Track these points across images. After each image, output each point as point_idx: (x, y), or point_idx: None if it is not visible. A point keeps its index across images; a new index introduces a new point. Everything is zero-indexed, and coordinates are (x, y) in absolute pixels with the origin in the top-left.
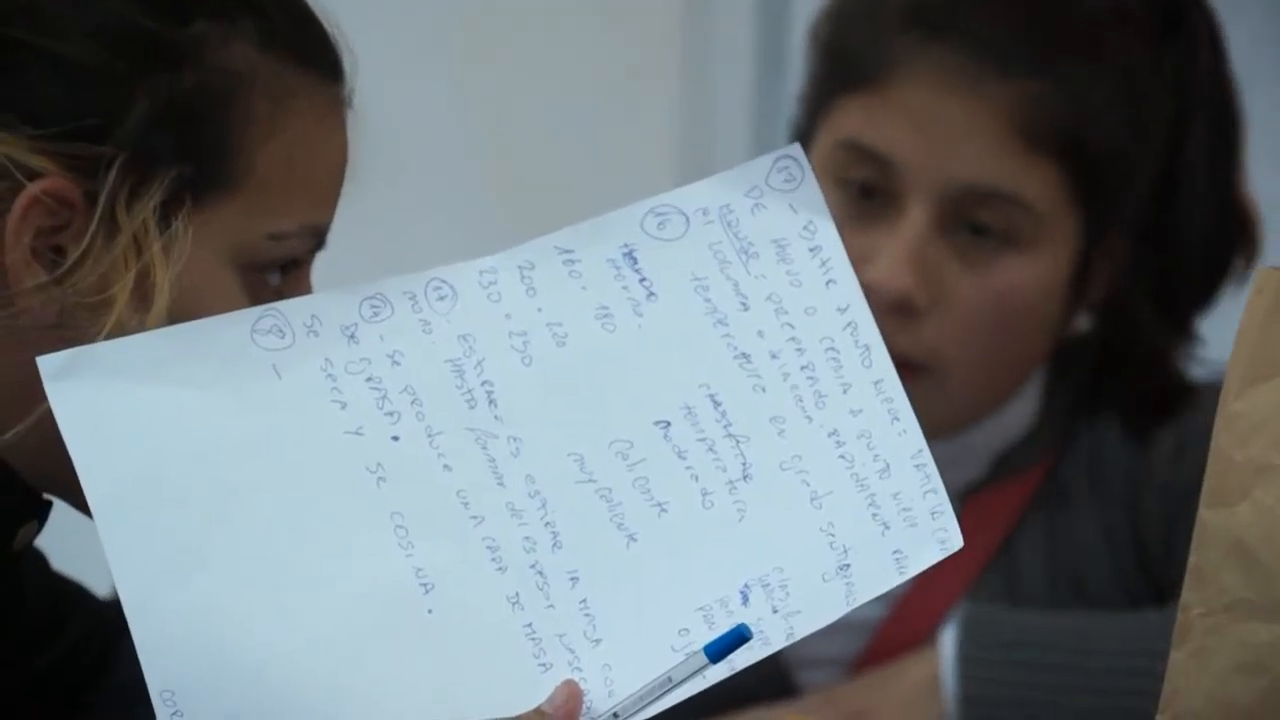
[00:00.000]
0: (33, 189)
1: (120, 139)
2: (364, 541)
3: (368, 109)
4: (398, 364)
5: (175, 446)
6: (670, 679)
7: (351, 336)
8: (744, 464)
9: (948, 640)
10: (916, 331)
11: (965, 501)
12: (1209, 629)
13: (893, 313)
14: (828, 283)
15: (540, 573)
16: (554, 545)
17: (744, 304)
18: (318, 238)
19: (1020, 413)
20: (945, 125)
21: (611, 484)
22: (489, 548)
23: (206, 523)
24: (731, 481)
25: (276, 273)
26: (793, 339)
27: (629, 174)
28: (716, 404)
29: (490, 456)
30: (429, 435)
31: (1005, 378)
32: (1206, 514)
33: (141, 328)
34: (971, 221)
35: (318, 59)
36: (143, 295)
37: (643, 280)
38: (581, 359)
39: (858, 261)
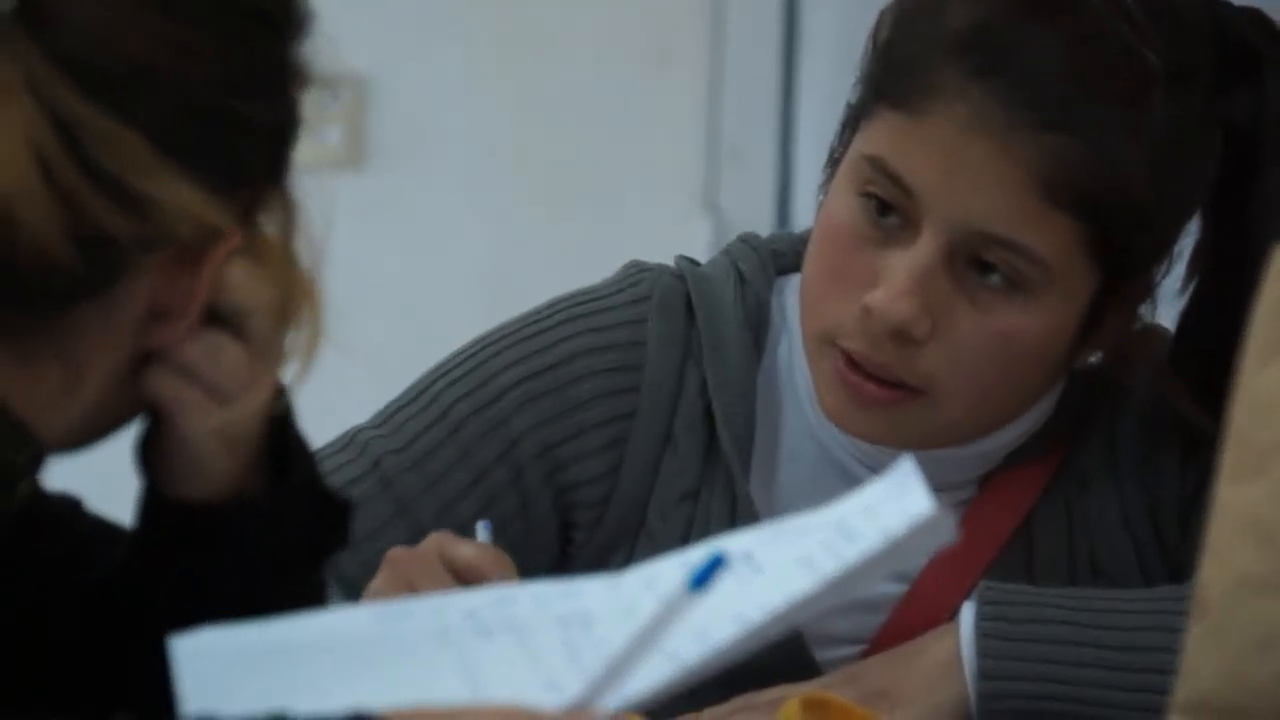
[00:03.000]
0: (225, 246)
1: (265, 176)
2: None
3: (389, 89)
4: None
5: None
6: (657, 620)
7: None
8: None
9: (967, 616)
10: (914, 359)
11: (984, 483)
12: (1227, 606)
13: (892, 339)
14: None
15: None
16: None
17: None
18: None
19: (1033, 419)
20: (969, 168)
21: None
22: None
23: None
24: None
25: None
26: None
27: (654, 154)
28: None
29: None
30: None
31: (1004, 407)
32: (1224, 491)
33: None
34: (982, 260)
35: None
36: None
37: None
38: None
39: (869, 277)
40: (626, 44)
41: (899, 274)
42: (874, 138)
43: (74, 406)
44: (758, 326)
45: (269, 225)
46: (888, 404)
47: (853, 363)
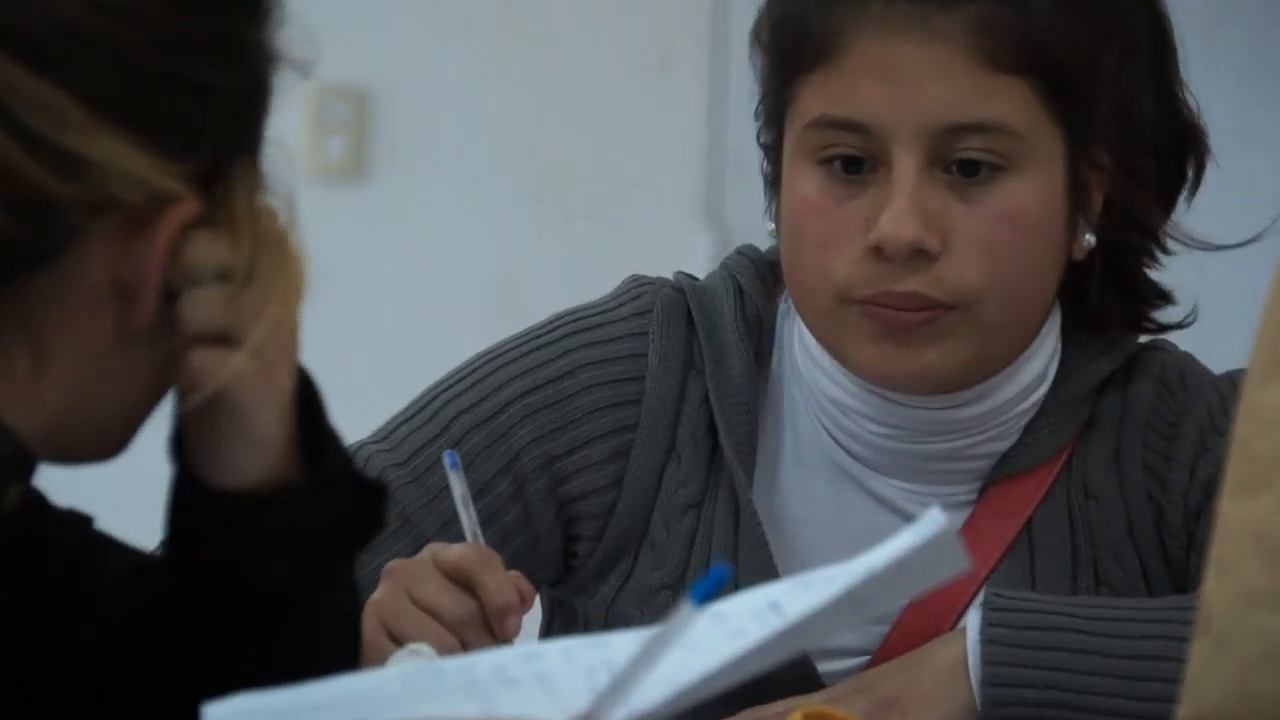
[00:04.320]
0: (177, 213)
1: (222, 144)
2: None
3: (391, 100)
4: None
5: None
6: (661, 636)
7: None
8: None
9: (972, 623)
10: (937, 275)
11: (985, 491)
12: (1231, 620)
13: (909, 263)
14: None
15: None
16: None
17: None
18: None
19: (1038, 368)
20: (907, 71)
21: None
22: None
23: None
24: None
25: None
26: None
27: (658, 164)
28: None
29: None
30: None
31: (1029, 304)
32: (1228, 505)
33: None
34: (959, 158)
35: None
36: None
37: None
38: None
39: (863, 225)
40: (629, 55)
41: (893, 203)
42: (806, 107)
43: (48, 394)
44: (758, 338)
45: (242, 198)
46: (925, 328)
47: (879, 304)
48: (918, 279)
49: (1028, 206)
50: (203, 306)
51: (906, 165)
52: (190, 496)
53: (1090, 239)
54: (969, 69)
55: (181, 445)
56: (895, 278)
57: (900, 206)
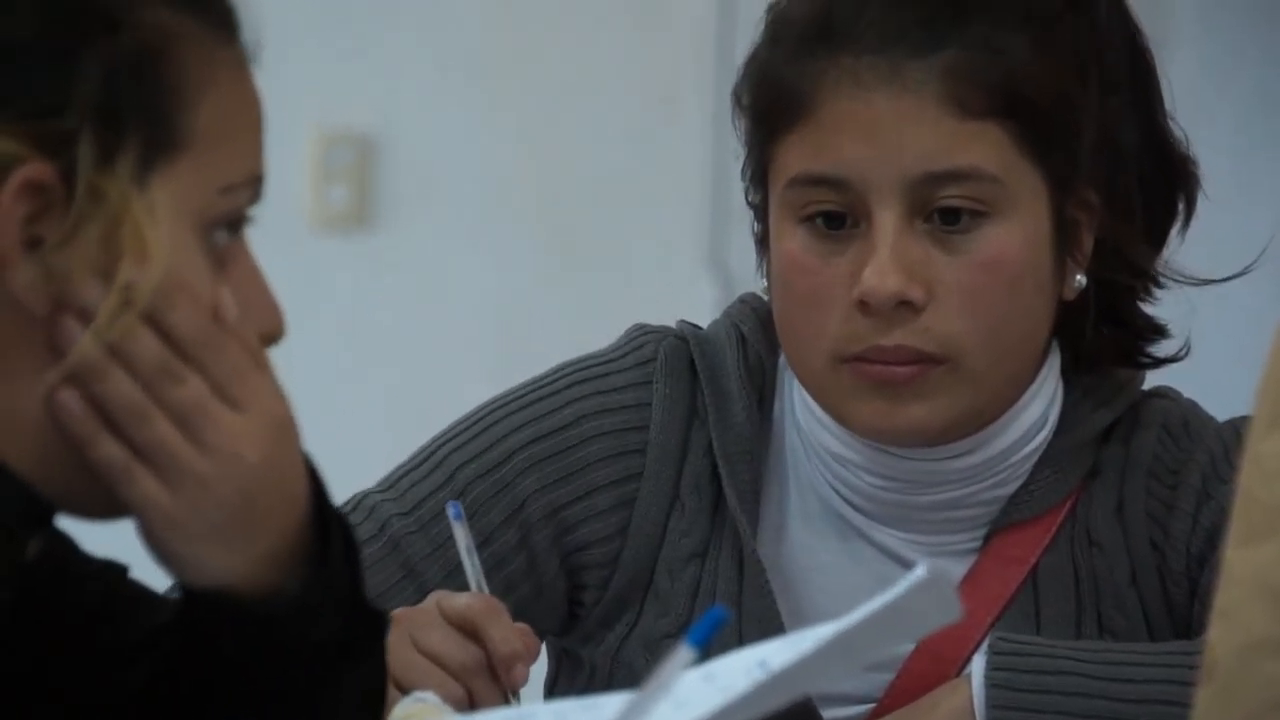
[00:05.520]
0: (19, 174)
1: (82, 110)
2: None
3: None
4: None
5: None
6: (659, 680)
7: None
8: None
9: (978, 668)
10: (924, 326)
11: (990, 539)
12: (1236, 667)
13: (895, 316)
14: None
15: None
16: None
17: None
18: (258, 188)
19: (1037, 413)
20: (881, 124)
21: None
22: None
23: None
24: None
25: (224, 232)
26: None
27: (662, 212)
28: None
29: None
30: None
31: (1019, 351)
32: (1233, 553)
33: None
34: (939, 207)
35: (221, 14)
36: (140, 261)
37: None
38: None
39: (848, 280)
40: (633, 101)
41: (875, 256)
42: (784, 166)
43: None
44: (761, 386)
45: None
46: (916, 382)
47: (869, 360)
48: (904, 331)
49: (1011, 252)
50: (25, 273)
51: (886, 218)
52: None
53: (1081, 279)
54: (941, 117)
55: None
56: (882, 331)
57: (882, 260)
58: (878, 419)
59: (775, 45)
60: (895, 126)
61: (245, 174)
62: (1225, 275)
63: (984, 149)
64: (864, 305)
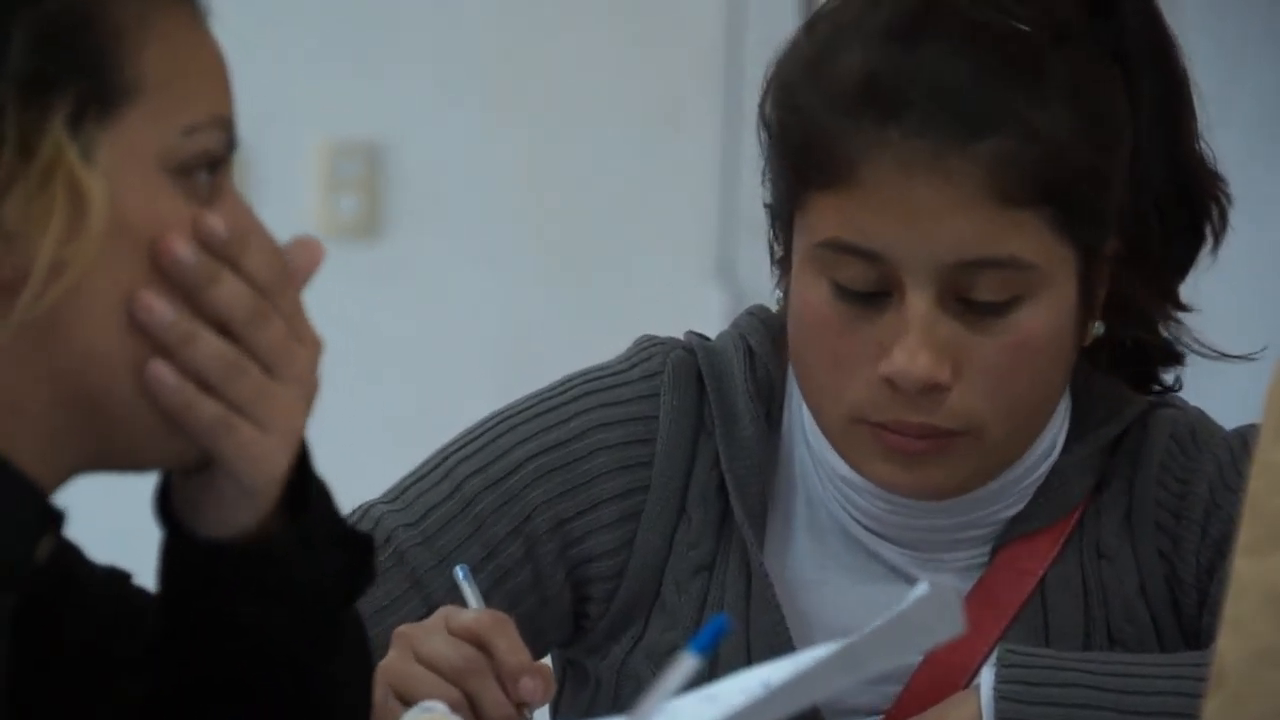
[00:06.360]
0: None
1: (8, 74)
2: None
3: (403, 158)
4: None
5: None
6: (663, 685)
7: None
8: None
9: (986, 680)
10: (946, 406)
11: (997, 552)
12: (1244, 677)
13: (920, 396)
14: None
15: None
16: None
17: None
18: (228, 130)
19: (1047, 441)
20: (922, 209)
21: None
22: None
23: None
24: None
25: (205, 174)
26: None
27: (670, 222)
28: None
29: None
30: None
31: (1039, 410)
32: (1242, 563)
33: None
34: (972, 291)
35: None
36: (77, 212)
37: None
38: None
39: (875, 350)
40: (641, 111)
41: (905, 334)
42: (818, 225)
43: None
44: (769, 399)
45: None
46: (936, 453)
47: (890, 430)
48: (928, 409)
49: (1040, 329)
50: None
51: (920, 298)
52: (181, 556)
53: (1099, 328)
54: (983, 207)
55: (168, 495)
56: (907, 407)
57: (913, 342)
58: (894, 478)
59: (815, 84)
60: (937, 214)
61: (207, 114)
62: (1239, 353)
63: (1023, 239)
64: (891, 383)
